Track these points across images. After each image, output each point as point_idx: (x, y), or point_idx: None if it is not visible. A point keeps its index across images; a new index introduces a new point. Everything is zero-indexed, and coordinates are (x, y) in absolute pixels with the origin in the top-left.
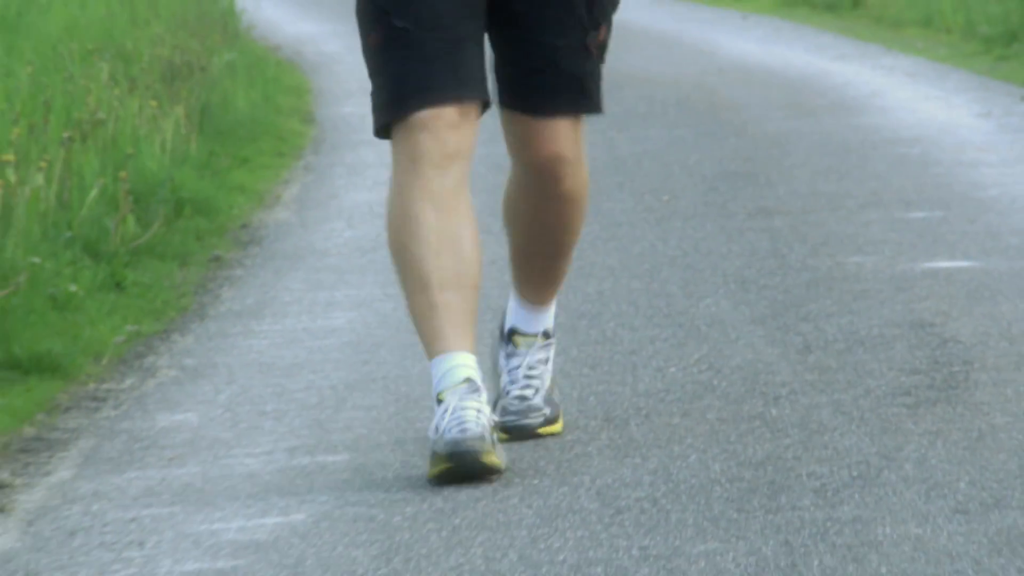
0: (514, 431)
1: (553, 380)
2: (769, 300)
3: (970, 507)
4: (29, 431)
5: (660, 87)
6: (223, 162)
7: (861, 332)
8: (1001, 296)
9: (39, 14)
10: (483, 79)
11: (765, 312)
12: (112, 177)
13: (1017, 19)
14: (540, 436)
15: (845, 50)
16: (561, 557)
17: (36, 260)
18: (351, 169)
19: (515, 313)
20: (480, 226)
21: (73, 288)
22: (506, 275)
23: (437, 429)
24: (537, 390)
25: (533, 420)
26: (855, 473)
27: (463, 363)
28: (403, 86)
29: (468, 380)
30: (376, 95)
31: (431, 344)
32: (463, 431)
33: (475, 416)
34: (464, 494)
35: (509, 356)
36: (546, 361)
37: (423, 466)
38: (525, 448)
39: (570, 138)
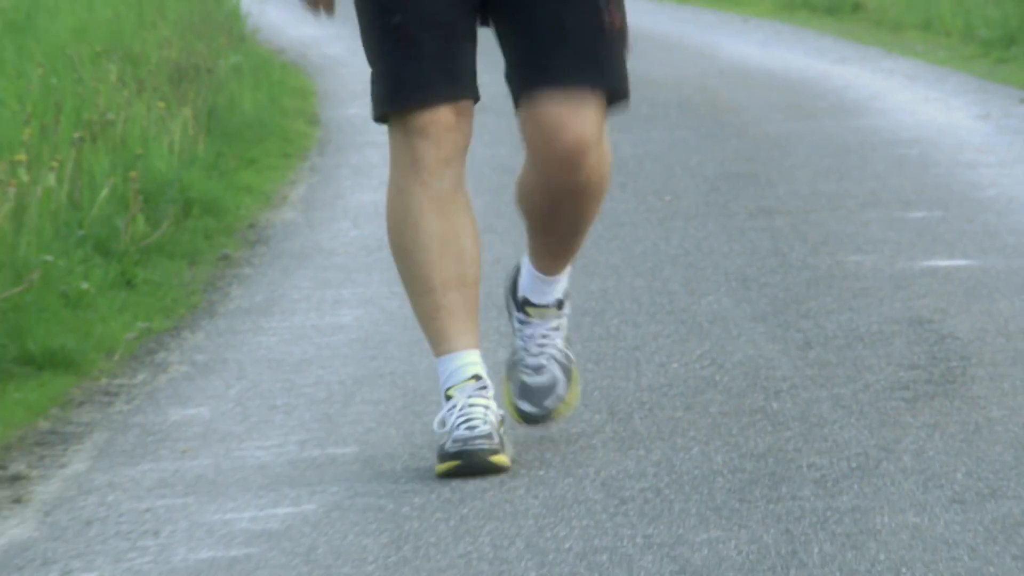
0: (534, 418)
1: (567, 338)
2: (770, 298)
3: (966, 497)
4: (44, 425)
5: (662, 90)
6: (230, 163)
7: (860, 328)
8: (998, 294)
9: (48, 17)
10: (475, 75)
11: (766, 309)
12: (122, 177)
13: (1015, 22)
14: (558, 416)
15: (845, 53)
16: (567, 545)
17: (49, 258)
18: (356, 170)
19: (528, 284)
20: (483, 226)
21: (85, 286)
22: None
23: (444, 423)
24: (552, 357)
25: (550, 404)
26: (854, 464)
27: (470, 361)
28: (400, 82)
29: (476, 377)
30: (374, 84)
31: (437, 344)
32: (471, 429)
33: (483, 413)
34: (471, 485)
35: (522, 323)
36: (558, 328)
37: (431, 458)
38: (531, 441)
39: (591, 119)
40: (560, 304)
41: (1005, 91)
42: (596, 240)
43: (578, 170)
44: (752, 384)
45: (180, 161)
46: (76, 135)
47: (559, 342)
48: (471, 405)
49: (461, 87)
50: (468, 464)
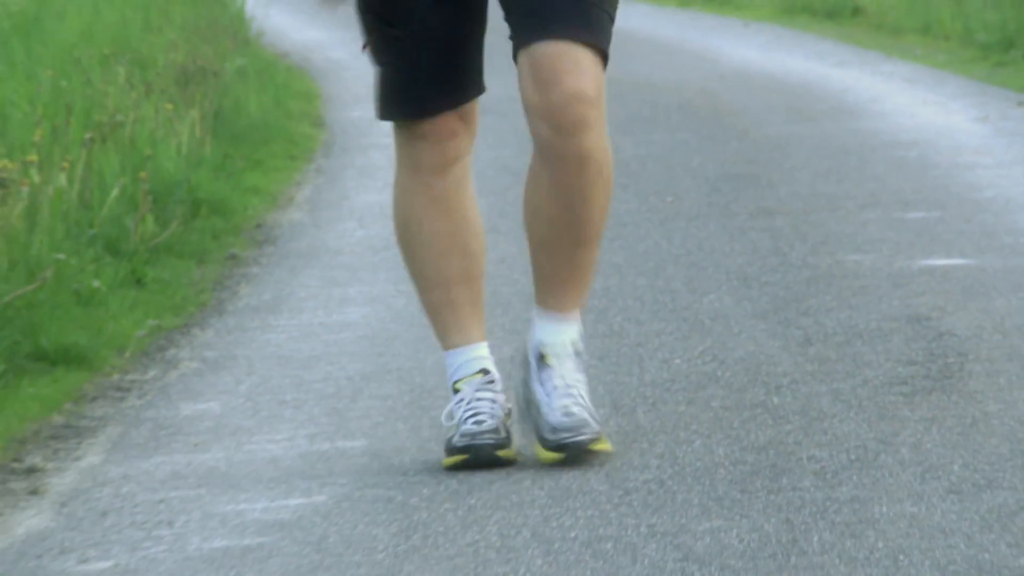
0: (569, 448)
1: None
2: (771, 296)
3: (963, 487)
4: (58, 419)
5: (663, 93)
6: (237, 164)
7: (860, 326)
8: (995, 292)
9: (55, 20)
10: (479, 71)
11: (767, 307)
12: (131, 178)
13: (1014, 26)
14: (593, 452)
15: (845, 57)
16: (573, 534)
17: (61, 256)
18: (361, 171)
19: (540, 328)
20: (487, 226)
21: (96, 284)
22: (514, 272)
23: (452, 416)
24: (580, 403)
25: (585, 436)
26: (853, 457)
27: (478, 355)
28: (400, 93)
29: (483, 371)
30: (378, 87)
31: (444, 338)
32: (478, 423)
33: (490, 407)
34: (478, 477)
35: (544, 379)
36: (582, 381)
37: (438, 451)
38: None
39: (589, 72)
40: (577, 350)
41: (1003, 94)
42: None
43: (579, 130)
44: (753, 379)
45: (188, 162)
46: (87, 136)
47: (586, 395)
48: (479, 399)
49: (461, 93)
50: (475, 459)
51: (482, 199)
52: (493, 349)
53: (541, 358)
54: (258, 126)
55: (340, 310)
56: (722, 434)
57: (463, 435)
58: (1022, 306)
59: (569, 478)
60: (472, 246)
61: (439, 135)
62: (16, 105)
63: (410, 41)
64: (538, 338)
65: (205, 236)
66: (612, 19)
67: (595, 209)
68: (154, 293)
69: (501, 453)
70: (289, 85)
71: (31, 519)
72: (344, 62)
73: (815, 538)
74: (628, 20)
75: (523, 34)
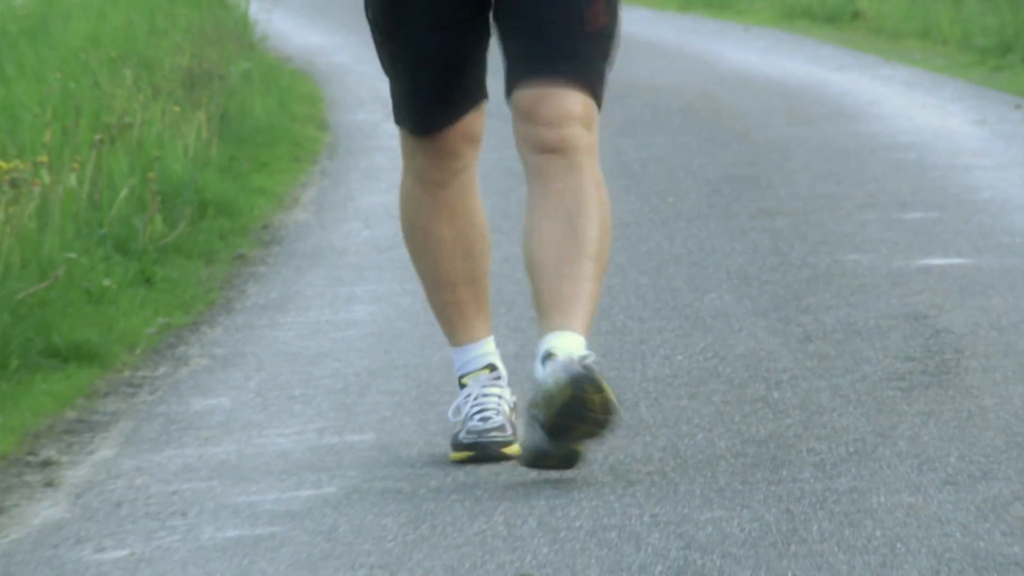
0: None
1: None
2: (771, 294)
3: (959, 479)
4: (71, 414)
5: (665, 96)
6: (243, 166)
7: (858, 323)
8: (992, 290)
9: (61, 24)
10: (481, 82)
11: (767, 305)
12: (140, 178)
13: (1012, 31)
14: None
15: (844, 60)
16: (578, 524)
17: (72, 256)
18: (366, 173)
19: (546, 340)
20: (491, 226)
21: (107, 282)
22: (518, 271)
23: (459, 411)
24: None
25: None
26: (852, 449)
27: (484, 351)
28: (402, 107)
29: (490, 367)
30: (391, 93)
31: (451, 335)
32: (484, 420)
33: (496, 404)
34: (485, 469)
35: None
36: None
37: (445, 445)
38: None
39: (579, 102)
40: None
41: (1001, 97)
42: None
43: (560, 125)
44: (753, 375)
45: (195, 164)
46: (96, 137)
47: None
48: (485, 395)
49: (462, 107)
50: (481, 456)
51: (486, 200)
52: (497, 347)
53: (548, 355)
54: (263, 129)
55: (346, 308)
56: (723, 428)
57: (470, 432)
58: (1018, 304)
59: (574, 470)
60: (477, 248)
61: (440, 154)
62: (26, 107)
63: (407, 64)
64: (544, 348)
65: (213, 236)
66: (609, 65)
67: (592, 221)
68: (163, 292)
69: (507, 450)
70: (293, 88)
71: (47, 510)
72: (347, 66)
73: (815, 527)
74: (630, 24)
75: (510, 76)
